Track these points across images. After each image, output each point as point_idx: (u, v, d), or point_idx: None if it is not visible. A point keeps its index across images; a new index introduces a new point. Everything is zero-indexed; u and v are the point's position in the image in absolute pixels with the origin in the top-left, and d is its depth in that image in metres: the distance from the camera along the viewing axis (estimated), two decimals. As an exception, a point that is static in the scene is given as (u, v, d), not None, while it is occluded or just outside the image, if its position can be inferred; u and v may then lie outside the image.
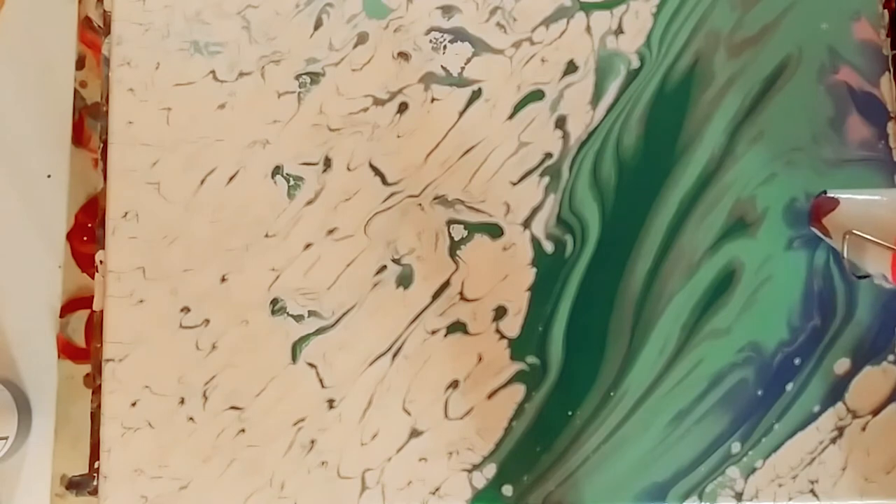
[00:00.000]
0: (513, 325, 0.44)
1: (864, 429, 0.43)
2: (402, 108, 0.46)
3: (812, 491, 0.43)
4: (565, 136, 0.46)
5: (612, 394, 0.43)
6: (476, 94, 0.46)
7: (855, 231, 0.38)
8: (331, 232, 0.45)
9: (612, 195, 0.45)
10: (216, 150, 0.46)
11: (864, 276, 0.41)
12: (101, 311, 0.45)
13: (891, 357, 0.44)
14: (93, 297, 0.46)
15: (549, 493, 0.43)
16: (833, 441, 0.43)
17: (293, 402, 0.44)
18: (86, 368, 0.51)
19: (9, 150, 0.54)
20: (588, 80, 0.46)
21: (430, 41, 0.47)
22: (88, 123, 0.54)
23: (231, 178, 0.46)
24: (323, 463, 0.43)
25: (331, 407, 0.44)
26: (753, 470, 0.43)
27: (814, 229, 0.42)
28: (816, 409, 0.43)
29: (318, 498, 0.43)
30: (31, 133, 0.54)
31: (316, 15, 0.47)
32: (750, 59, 0.46)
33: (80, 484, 0.46)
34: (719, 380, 0.43)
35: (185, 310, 0.45)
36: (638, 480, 0.43)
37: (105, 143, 0.46)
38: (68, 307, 0.52)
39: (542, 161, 0.45)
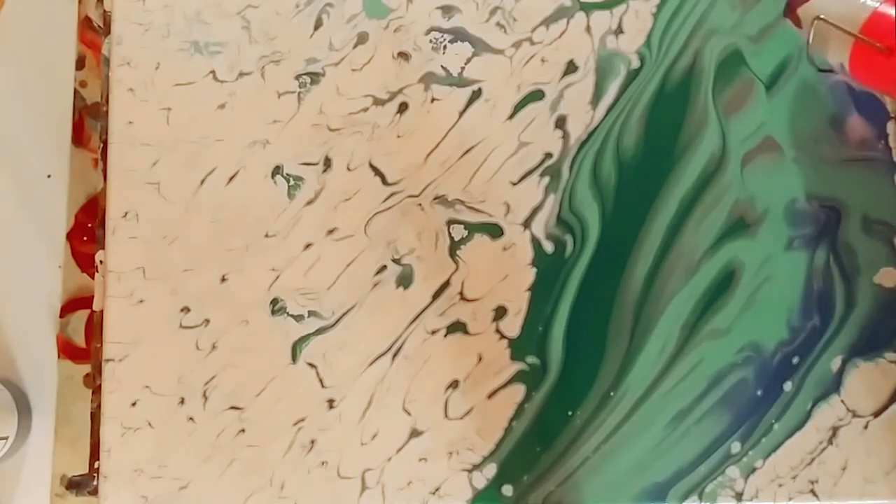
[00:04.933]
0: (513, 325, 0.44)
1: (865, 428, 0.43)
2: (402, 108, 0.46)
3: (812, 491, 0.43)
4: (565, 136, 0.46)
5: (612, 394, 0.43)
6: (476, 94, 0.46)
7: (822, 16, 0.39)
8: (331, 232, 0.45)
9: (612, 195, 0.45)
10: (216, 150, 0.46)
11: (827, 71, 0.41)
12: (101, 311, 0.45)
13: (890, 356, 0.44)
14: (93, 297, 0.46)
15: (549, 493, 0.43)
16: (833, 441, 0.43)
17: (293, 402, 0.44)
18: (86, 368, 0.51)
19: (9, 150, 0.54)
20: (588, 80, 0.46)
21: (430, 41, 0.47)
22: (88, 123, 0.54)
23: (231, 178, 0.46)
24: (323, 463, 0.43)
25: (331, 407, 0.44)
26: (753, 470, 0.43)
27: (788, 21, 0.43)
28: (816, 409, 0.43)
29: (318, 498, 0.43)
30: (31, 133, 0.54)
31: (316, 15, 0.47)
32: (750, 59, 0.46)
33: (80, 484, 0.46)
34: (719, 380, 0.43)
35: (185, 310, 0.45)
36: (638, 480, 0.43)
37: (105, 143, 0.46)
38: (68, 307, 0.52)
39: (542, 161, 0.45)
